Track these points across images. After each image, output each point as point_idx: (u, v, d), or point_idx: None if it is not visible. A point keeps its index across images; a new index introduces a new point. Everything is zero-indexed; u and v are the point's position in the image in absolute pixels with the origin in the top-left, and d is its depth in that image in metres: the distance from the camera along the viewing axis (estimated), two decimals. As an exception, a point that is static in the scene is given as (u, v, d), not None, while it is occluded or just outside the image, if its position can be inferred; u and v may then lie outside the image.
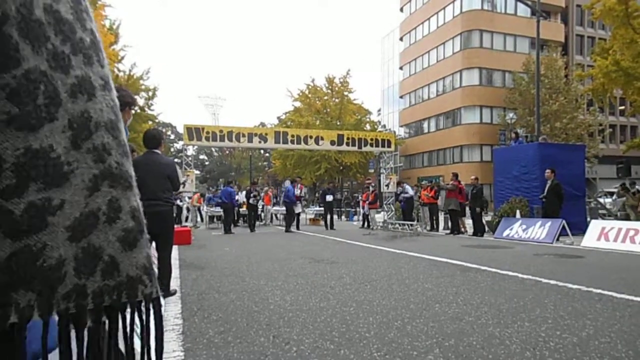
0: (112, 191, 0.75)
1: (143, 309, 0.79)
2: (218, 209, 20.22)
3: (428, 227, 16.04)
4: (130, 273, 0.75)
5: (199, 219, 21.67)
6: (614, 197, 17.57)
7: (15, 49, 0.64)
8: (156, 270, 0.82)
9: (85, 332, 0.72)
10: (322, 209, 19.59)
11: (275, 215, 22.08)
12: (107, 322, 0.74)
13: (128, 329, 0.77)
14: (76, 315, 0.70)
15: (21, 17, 0.65)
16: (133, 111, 3.79)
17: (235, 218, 20.74)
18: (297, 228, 16.67)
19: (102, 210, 0.73)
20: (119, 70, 23.98)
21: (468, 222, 14.72)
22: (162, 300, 4.00)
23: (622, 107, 40.65)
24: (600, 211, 17.12)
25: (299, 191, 16.77)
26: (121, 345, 0.77)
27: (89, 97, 0.74)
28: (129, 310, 0.77)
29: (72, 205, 0.69)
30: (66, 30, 0.72)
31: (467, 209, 14.51)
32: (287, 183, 17.76)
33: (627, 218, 14.16)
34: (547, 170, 12.20)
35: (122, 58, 23.95)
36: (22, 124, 0.64)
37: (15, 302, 0.63)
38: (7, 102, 0.63)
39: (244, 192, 21.74)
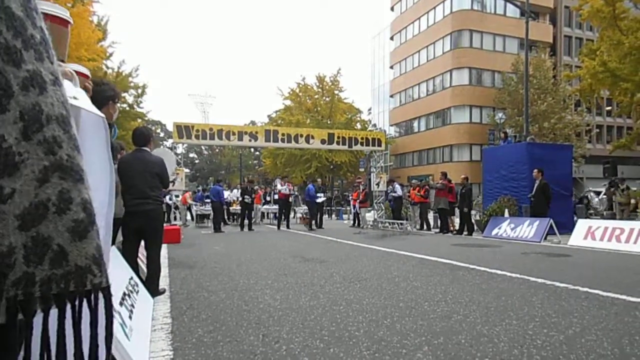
0: (62, 183, 0.77)
1: (92, 298, 0.80)
2: (208, 207, 20.16)
3: (418, 226, 16.12)
4: (79, 263, 0.77)
5: (188, 217, 21.56)
6: (601, 195, 17.77)
7: None
8: (107, 261, 0.87)
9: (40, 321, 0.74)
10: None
11: (266, 214, 22.05)
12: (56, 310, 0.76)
13: (77, 317, 0.79)
14: (24, 303, 0.71)
15: None
16: (118, 105, 3.72)
17: (226, 216, 20.69)
18: (287, 227, 16.66)
19: (52, 201, 0.75)
20: (107, 67, 23.74)
21: (457, 221, 14.81)
22: (152, 301, 3.95)
23: (609, 108, 41.20)
24: (588, 210, 17.33)
25: (287, 190, 16.74)
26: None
27: (41, 90, 0.76)
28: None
29: (22, 194, 0.71)
30: (17, 26, 0.74)
31: (456, 208, 14.61)
32: (278, 182, 17.75)
33: (613, 217, 14.35)
34: (535, 170, 12.32)
35: (111, 55, 23.71)
36: None
37: None
38: None
39: (238, 190, 21.70)
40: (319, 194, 17.85)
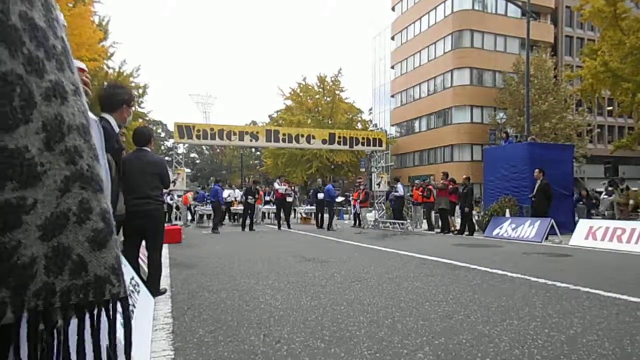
0: (82, 193, 0.77)
1: (111, 308, 0.81)
2: (209, 207, 20.18)
3: (421, 226, 16.13)
4: (98, 272, 0.77)
5: (189, 217, 21.57)
6: (602, 194, 17.74)
7: None
8: (125, 270, 0.85)
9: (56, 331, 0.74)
10: (313, 207, 19.61)
11: (267, 213, 22.05)
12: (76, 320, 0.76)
13: (96, 327, 0.79)
14: (45, 313, 0.72)
15: None
16: (132, 109, 3.77)
17: (227, 216, 20.70)
18: (288, 227, 16.65)
19: (73, 210, 0.75)
20: (108, 67, 23.78)
21: (457, 221, 14.81)
22: (153, 300, 3.95)
23: (610, 108, 41.16)
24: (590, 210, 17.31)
25: (283, 188, 16.69)
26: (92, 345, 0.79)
27: (62, 101, 0.76)
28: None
29: (44, 204, 0.72)
30: (40, 37, 0.75)
31: (457, 207, 14.61)
32: (277, 182, 17.74)
33: (614, 217, 14.30)
34: (536, 170, 12.32)
35: (112, 55, 23.76)
36: None
37: None
38: None
39: (235, 191, 21.70)
40: (319, 194, 17.85)
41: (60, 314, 0.73)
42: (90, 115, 1.76)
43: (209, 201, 19.82)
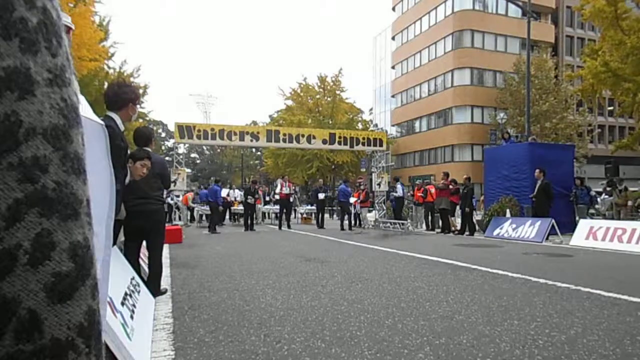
0: (42, 221, 0.55)
1: None
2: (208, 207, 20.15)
3: (422, 227, 16.12)
4: (57, 335, 0.55)
5: (189, 217, 21.58)
6: (602, 196, 17.71)
7: None
8: (102, 324, 0.61)
9: None
10: (314, 207, 19.63)
11: (267, 214, 22.06)
12: None
13: None
14: None
15: None
16: (138, 107, 3.78)
17: (227, 216, 20.71)
18: (289, 227, 16.67)
19: (24, 247, 0.53)
20: (109, 67, 23.79)
21: (458, 221, 14.80)
22: (153, 300, 3.96)
23: (611, 108, 41.10)
24: (589, 211, 17.29)
25: (287, 188, 16.74)
26: None
27: (22, 94, 0.55)
28: None
29: None
30: None
31: (458, 208, 14.61)
32: (279, 182, 17.75)
33: (614, 218, 14.28)
34: (537, 170, 12.31)
35: (113, 55, 23.75)
36: None
37: None
38: None
39: (235, 191, 21.70)
40: (319, 194, 17.87)
41: None
42: (96, 119, 1.65)
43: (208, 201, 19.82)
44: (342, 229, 16.00)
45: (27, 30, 0.55)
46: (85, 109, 1.63)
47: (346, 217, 16.41)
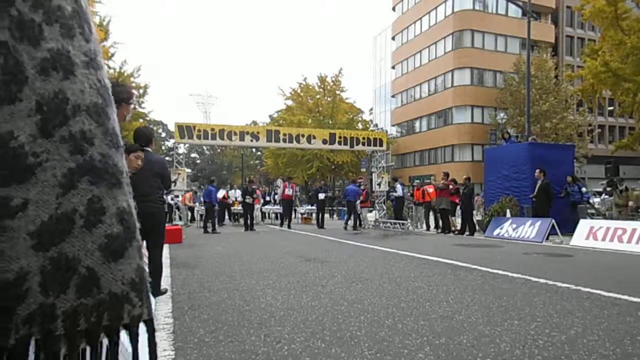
0: (92, 189, 0.62)
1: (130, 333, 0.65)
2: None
3: (422, 227, 16.12)
4: (114, 289, 0.61)
5: (190, 217, 21.58)
6: (603, 195, 17.69)
7: None
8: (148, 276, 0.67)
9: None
10: (314, 207, 19.63)
11: (267, 214, 22.04)
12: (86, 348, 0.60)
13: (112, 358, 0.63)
14: (44, 343, 0.56)
15: None
16: (132, 106, 3.78)
17: (227, 217, 20.71)
18: (289, 227, 16.67)
19: (79, 212, 0.60)
20: (109, 68, 23.78)
21: (458, 221, 14.80)
22: (153, 301, 3.97)
23: (611, 108, 41.10)
24: (589, 211, 17.29)
25: (290, 190, 16.76)
26: None
27: (66, 74, 0.61)
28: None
29: (39, 206, 0.56)
30: None
31: (458, 208, 14.61)
32: (279, 182, 17.76)
33: (614, 218, 14.22)
34: (537, 170, 12.31)
35: (113, 55, 23.76)
36: None
37: None
38: None
39: (239, 190, 21.69)
40: (319, 194, 17.87)
41: (64, 342, 0.58)
42: None
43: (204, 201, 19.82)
44: (346, 228, 16.03)
45: (65, 17, 0.62)
46: None
47: (352, 216, 16.48)
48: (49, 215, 0.57)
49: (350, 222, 16.26)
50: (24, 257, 0.55)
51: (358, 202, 17.70)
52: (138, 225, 0.69)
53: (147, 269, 0.69)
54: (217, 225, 15.80)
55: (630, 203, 12.95)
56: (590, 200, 18.31)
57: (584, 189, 12.28)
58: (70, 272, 0.58)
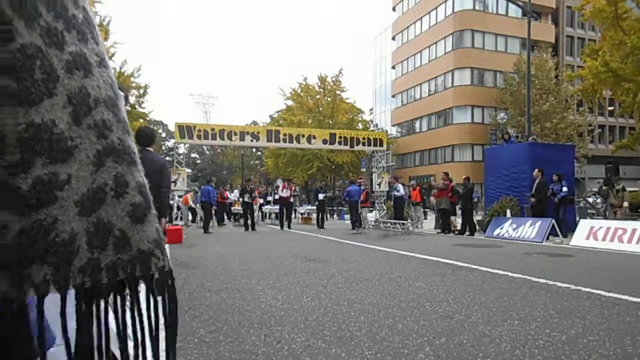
0: (117, 167, 0.76)
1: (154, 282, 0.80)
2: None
3: (422, 226, 16.13)
4: (142, 247, 0.77)
5: (190, 217, 21.57)
6: (595, 197, 17.65)
7: (8, 22, 0.63)
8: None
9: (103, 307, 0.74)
10: (314, 207, 19.65)
11: (267, 214, 22.04)
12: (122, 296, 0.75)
13: (145, 302, 0.79)
14: (92, 290, 0.70)
15: None
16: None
17: (227, 217, 20.73)
18: (289, 227, 16.67)
19: (109, 185, 0.74)
20: (109, 68, 23.78)
21: (458, 221, 14.80)
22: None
23: (611, 108, 41.14)
24: (589, 211, 17.28)
25: (289, 191, 16.74)
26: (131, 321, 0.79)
27: (85, 73, 0.74)
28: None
29: (79, 180, 0.70)
30: (58, 7, 0.72)
31: (458, 208, 14.61)
32: (279, 182, 17.77)
33: (609, 218, 14.11)
34: (535, 170, 12.34)
35: (113, 55, 23.75)
36: (22, 99, 0.64)
37: (30, 278, 0.63)
38: (4, 77, 0.63)
39: (236, 190, 21.71)
40: (319, 194, 17.89)
41: (108, 289, 0.72)
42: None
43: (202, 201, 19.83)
44: (354, 227, 16.02)
45: (79, 24, 0.75)
46: None
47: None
48: (87, 188, 0.71)
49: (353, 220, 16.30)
50: (73, 221, 0.68)
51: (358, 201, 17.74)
52: (150, 196, 0.83)
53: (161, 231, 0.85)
54: (209, 225, 15.92)
55: (625, 204, 12.72)
56: (590, 200, 18.27)
57: (565, 188, 12.12)
58: (107, 233, 0.72)
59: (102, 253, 0.71)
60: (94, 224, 0.70)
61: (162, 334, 0.83)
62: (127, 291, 0.77)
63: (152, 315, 0.80)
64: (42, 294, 0.65)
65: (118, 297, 0.75)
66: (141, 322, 0.78)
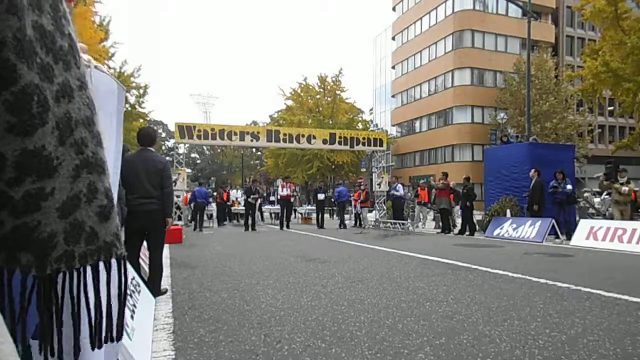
0: (89, 177, 0.91)
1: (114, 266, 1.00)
2: (210, 207, 20.18)
3: (425, 226, 16.17)
4: (106, 239, 0.95)
5: (189, 217, 21.56)
6: (603, 195, 17.57)
7: (13, 70, 0.73)
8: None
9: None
10: (314, 207, 19.64)
11: (266, 214, 22.04)
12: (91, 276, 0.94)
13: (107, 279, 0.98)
14: (68, 272, 0.89)
15: (17, 41, 0.74)
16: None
17: (227, 217, 20.73)
18: (288, 227, 16.67)
19: (83, 192, 0.90)
20: (109, 68, 23.75)
21: (458, 221, 14.79)
22: (153, 300, 3.95)
23: (611, 108, 41.09)
24: (589, 211, 17.26)
25: (288, 190, 16.75)
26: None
27: (69, 99, 0.86)
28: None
29: (61, 190, 0.84)
30: (48, 42, 0.81)
31: (458, 208, 14.61)
32: (279, 182, 17.77)
33: (612, 218, 14.01)
34: (532, 170, 12.35)
35: (113, 55, 23.77)
36: (20, 131, 0.76)
37: (19, 260, 0.82)
38: (7, 114, 0.74)
39: (239, 190, 21.70)
40: (319, 194, 17.89)
41: (80, 272, 0.91)
42: (115, 82, 1.79)
43: (210, 200, 19.85)
44: (340, 227, 16.47)
45: (65, 54, 0.86)
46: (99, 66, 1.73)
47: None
48: (67, 196, 0.86)
49: (349, 222, 16.38)
50: (53, 223, 0.84)
51: (358, 201, 17.74)
52: (114, 197, 1.02)
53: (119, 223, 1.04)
54: (199, 224, 16.26)
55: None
56: (586, 196, 18.21)
57: (569, 186, 11.87)
58: (81, 230, 0.89)
59: (76, 245, 0.88)
60: (70, 224, 0.87)
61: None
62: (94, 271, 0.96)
63: (114, 288, 1.01)
64: (25, 273, 0.83)
65: (89, 277, 0.94)
66: (99, 293, 0.97)
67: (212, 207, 20.61)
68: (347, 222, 16.65)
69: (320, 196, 17.75)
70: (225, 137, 16.97)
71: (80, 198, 0.89)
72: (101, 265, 0.96)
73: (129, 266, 1.18)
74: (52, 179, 0.82)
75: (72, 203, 0.87)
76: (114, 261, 0.98)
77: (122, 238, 1.04)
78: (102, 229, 0.93)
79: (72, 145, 0.86)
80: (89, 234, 0.91)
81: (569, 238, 11.07)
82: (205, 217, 20.75)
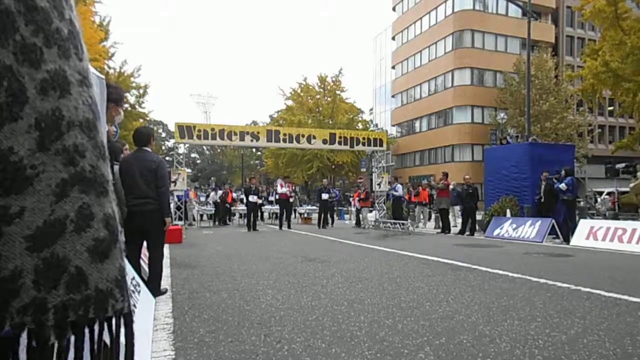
0: (83, 197, 0.67)
1: (114, 325, 0.72)
2: (209, 207, 20.20)
3: (426, 225, 16.19)
4: (100, 286, 0.68)
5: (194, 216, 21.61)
6: (603, 195, 17.60)
7: None
8: (129, 281, 0.74)
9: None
10: (315, 207, 19.66)
11: (266, 214, 22.04)
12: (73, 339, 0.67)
13: (96, 347, 0.71)
14: (36, 331, 0.63)
15: None
16: (122, 109, 3.74)
17: (228, 217, 20.75)
18: (289, 227, 16.67)
19: (70, 217, 0.66)
20: (109, 68, 23.81)
21: (458, 221, 14.80)
22: (153, 300, 3.95)
23: (611, 108, 41.08)
24: (589, 211, 17.27)
25: (287, 190, 16.74)
26: None
27: (62, 93, 0.67)
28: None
29: (35, 212, 0.62)
30: (39, 20, 0.65)
31: (457, 207, 14.62)
32: (279, 181, 17.76)
33: (615, 217, 14.06)
34: (544, 173, 12.24)
35: (113, 55, 23.79)
36: None
37: None
38: None
39: (239, 190, 21.70)
40: (323, 194, 17.90)
41: (54, 332, 0.64)
42: (96, 73, 1.67)
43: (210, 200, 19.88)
44: (322, 227, 17.11)
45: (62, 39, 0.68)
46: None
47: (325, 216, 17.81)
48: (44, 221, 0.63)
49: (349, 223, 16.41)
50: (19, 258, 0.61)
51: (356, 200, 17.77)
52: (121, 228, 0.75)
53: (126, 267, 0.76)
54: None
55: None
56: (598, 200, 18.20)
57: (562, 185, 11.80)
58: (61, 270, 0.64)
59: (51, 292, 0.63)
60: (45, 261, 0.63)
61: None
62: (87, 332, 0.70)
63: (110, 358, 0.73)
64: None
65: (72, 340, 0.67)
66: None
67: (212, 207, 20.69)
68: (347, 222, 16.57)
69: (324, 196, 17.73)
70: (225, 137, 16.95)
71: (64, 225, 0.65)
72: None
73: (136, 320, 0.82)
74: (21, 195, 0.61)
75: (52, 231, 0.63)
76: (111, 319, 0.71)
77: (128, 286, 0.75)
78: (94, 271, 0.67)
79: (59, 153, 0.65)
80: (74, 278, 0.65)
81: (566, 239, 11.07)
82: (205, 218, 20.87)
